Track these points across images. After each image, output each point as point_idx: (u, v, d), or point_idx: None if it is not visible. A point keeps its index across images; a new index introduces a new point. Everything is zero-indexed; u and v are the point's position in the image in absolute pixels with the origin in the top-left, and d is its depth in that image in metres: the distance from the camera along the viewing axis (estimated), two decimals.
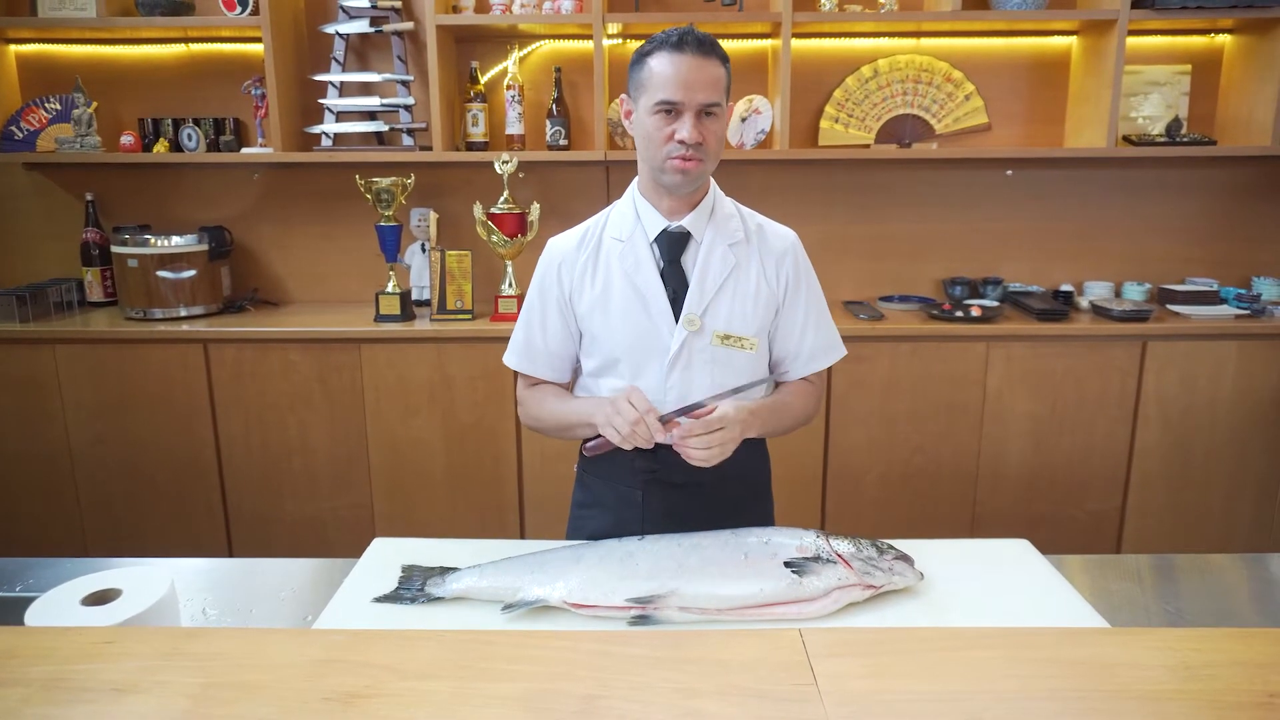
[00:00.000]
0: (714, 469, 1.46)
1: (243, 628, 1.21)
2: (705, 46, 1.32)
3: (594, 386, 1.49)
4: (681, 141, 1.31)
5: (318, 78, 2.85)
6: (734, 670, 0.75)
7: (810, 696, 0.72)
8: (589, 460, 1.55)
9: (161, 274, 2.73)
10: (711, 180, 1.46)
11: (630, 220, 1.44)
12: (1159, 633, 0.81)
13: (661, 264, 1.41)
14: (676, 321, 1.40)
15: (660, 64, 1.31)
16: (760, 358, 1.47)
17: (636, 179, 1.46)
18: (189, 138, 2.88)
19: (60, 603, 1.04)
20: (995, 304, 2.75)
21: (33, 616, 1.01)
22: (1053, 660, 0.76)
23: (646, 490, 1.48)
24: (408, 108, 2.85)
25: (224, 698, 0.73)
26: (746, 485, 1.54)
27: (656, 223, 1.42)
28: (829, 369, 1.58)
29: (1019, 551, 1.41)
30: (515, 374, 1.58)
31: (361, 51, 2.94)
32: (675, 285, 1.41)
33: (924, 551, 1.34)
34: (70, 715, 0.70)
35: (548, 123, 2.85)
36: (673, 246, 1.41)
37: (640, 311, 1.41)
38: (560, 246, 1.48)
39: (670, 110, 1.32)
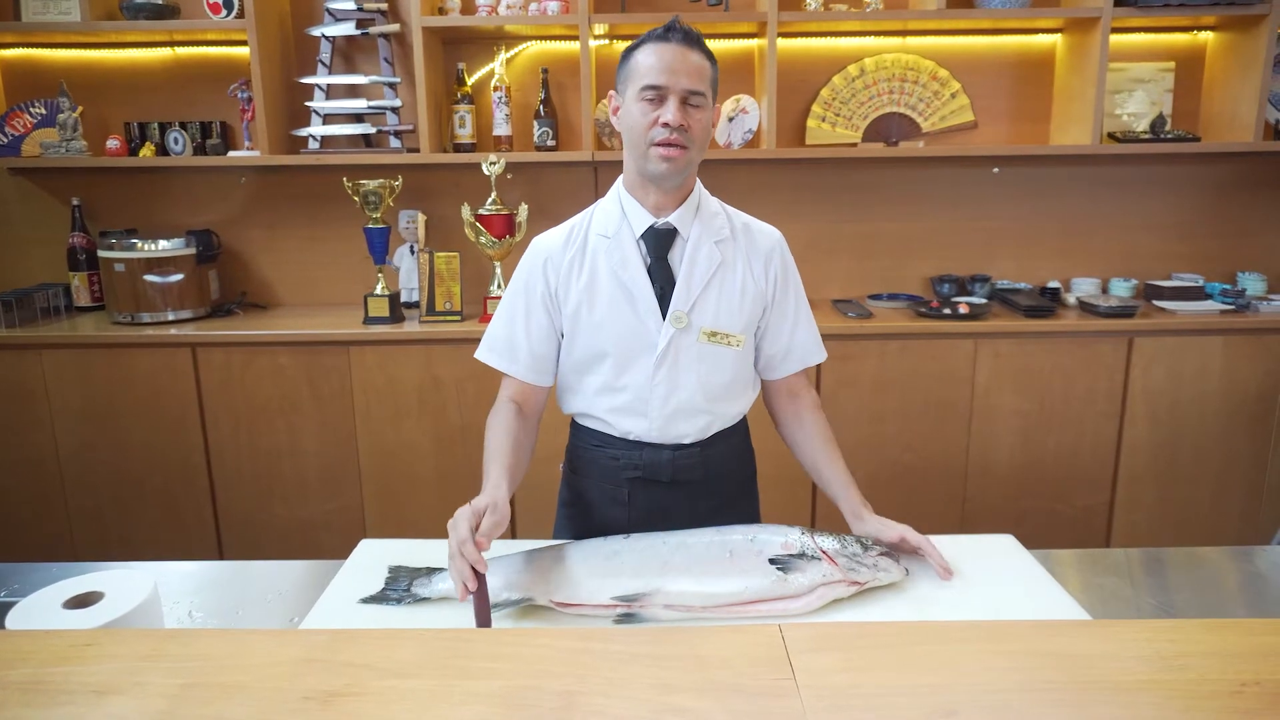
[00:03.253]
0: (700, 468, 1.46)
1: (223, 629, 1.20)
2: (691, 38, 1.34)
3: (577, 384, 1.48)
4: (666, 124, 1.31)
5: (304, 80, 2.85)
6: (712, 665, 0.76)
7: (788, 691, 0.72)
8: (576, 458, 1.55)
9: (149, 278, 2.73)
10: (697, 179, 1.45)
11: (616, 217, 1.43)
12: (1134, 624, 0.82)
13: (648, 261, 1.41)
14: (663, 318, 1.40)
15: (646, 54, 1.34)
16: (745, 355, 1.47)
17: (621, 176, 1.45)
18: (175, 141, 2.88)
19: (42, 606, 1.04)
20: (983, 301, 2.76)
21: (14, 620, 1.01)
22: (1028, 652, 0.76)
23: (632, 489, 1.48)
24: (395, 110, 2.85)
25: (203, 698, 0.73)
26: (732, 483, 1.54)
27: (643, 219, 1.41)
28: (818, 368, 1.58)
29: (1004, 547, 1.41)
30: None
31: (348, 54, 2.94)
32: (662, 282, 1.40)
33: None
34: (48, 718, 0.70)
35: (535, 123, 2.85)
36: (659, 243, 1.41)
37: (627, 308, 1.40)
38: (545, 243, 1.46)
39: (654, 97, 1.32)
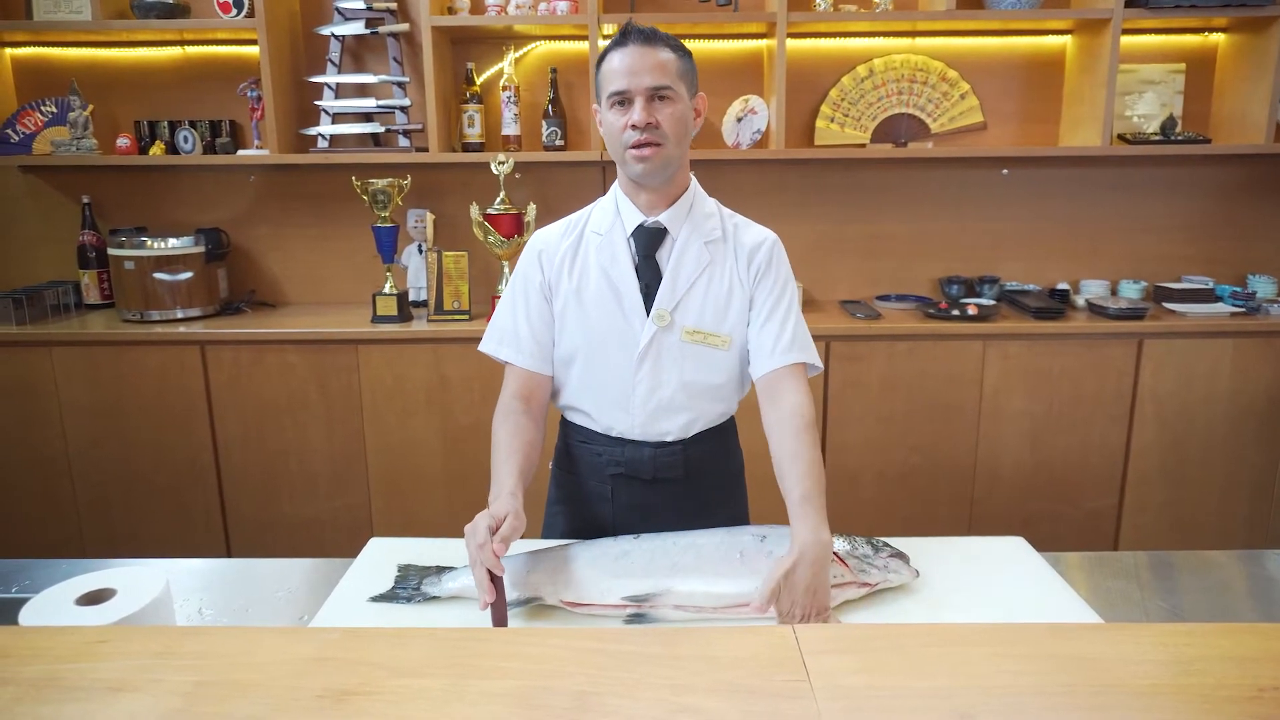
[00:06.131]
0: (681, 466, 1.46)
1: (236, 626, 1.21)
2: (647, 36, 1.34)
3: (564, 377, 1.48)
4: (635, 126, 1.32)
5: (313, 79, 2.86)
6: (726, 666, 0.75)
7: (803, 692, 0.72)
8: (563, 454, 1.56)
9: (158, 276, 2.73)
10: (692, 178, 1.46)
11: (610, 215, 1.45)
12: (1150, 628, 0.82)
13: (636, 258, 1.42)
14: (648, 316, 1.41)
15: (609, 62, 1.35)
16: (733, 357, 1.44)
17: (618, 178, 1.47)
18: (185, 140, 2.88)
19: (54, 603, 1.04)
20: (991, 303, 2.76)
21: (27, 616, 1.01)
22: (1044, 655, 0.76)
23: (615, 485, 1.49)
24: (404, 109, 2.86)
25: (216, 695, 0.73)
26: (717, 481, 1.53)
27: (634, 217, 1.42)
28: (826, 370, 1.57)
29: (1014, 549, 1.41)
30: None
31: (357, 53, 2.94)
32: (649, 280, 1.41)
33: (919, 549, 1.34)
34: (62, 714, 0.70)
35: (543, 123, 2.85)
36: (649, 242, 1.41)
37: (613, 304, 1.42)
38: (543, 236, 1.49)
39: (623, 101, 1.34)
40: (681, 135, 1.36)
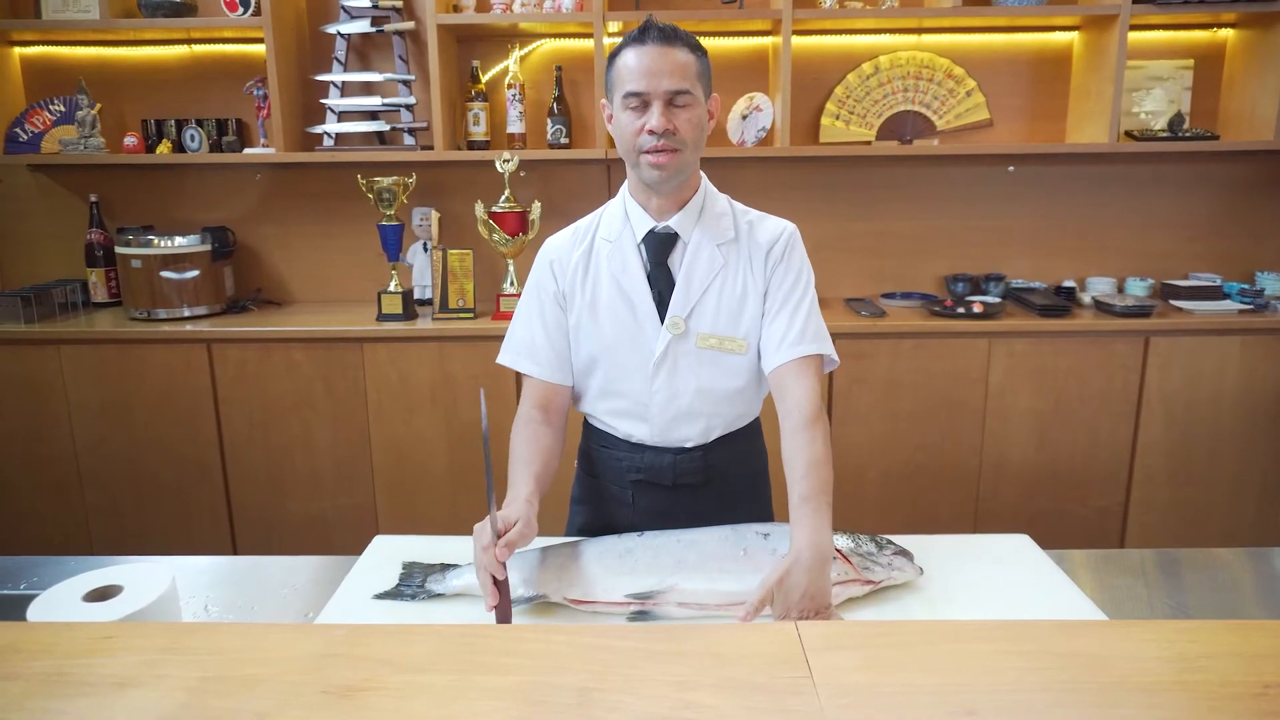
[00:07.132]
0: (702, 472, 1.45)
1: (241, 623, 1.21)
2: (667, 35, 1.30)
3: (583, 386, 1.47)
4: (651, 131, 1.28)
5: (319, 78, 2.86)
6: (730, 663, 0.75)
7: (806, 689, 0.72)
8: (585, 457, 1.56)
9: (165, 274, 2.74)
10: (703, 177, 1.43)
11: (620, 221, 1.42)
12: (1155, 625, 0.81)
13: (648, 266, 1.39)
14: (662, 324, 1.38)
15: (625, 59, 1.31)
16: (752, 360, 1.41)
17: (627, 180, 1.44)
18: (192, 139, 2.89)
19: (62, 599, 1.05)
20: (997, 300, 2.75)
21: (35, 612, 1.02)
22: (1049, 652, 0.76)
23: (636, 491, 1.48)
24: (409, 107, 2.86)
25: (222, 690, 0.73)
26: (739, 484, 1.51)
27: (644, 223, 1.39)
28: (830, 375, 1.55)
29: (1019, 546, 1.41)
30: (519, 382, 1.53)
31: (363, 51, 2.94)
32: (662, 287, 1.39)
33: (924, 547, 1.34)
34: (70, 709, 0.71)
35: (549, 121, 2.86)
36: (660, 248, 1.39)
37: (627, 314, 1.39)
38: (554, 244, 1.46)
39: (637, 104, 1.30)
40: (698, 140, 1.33)
